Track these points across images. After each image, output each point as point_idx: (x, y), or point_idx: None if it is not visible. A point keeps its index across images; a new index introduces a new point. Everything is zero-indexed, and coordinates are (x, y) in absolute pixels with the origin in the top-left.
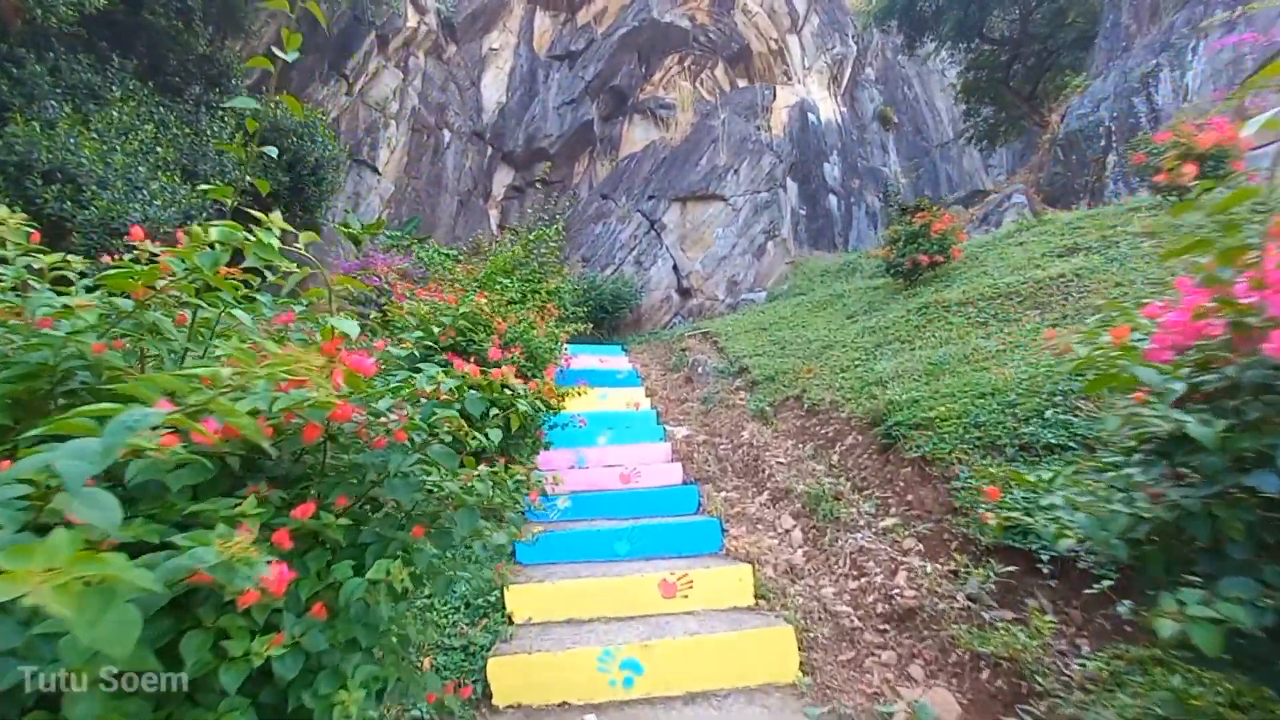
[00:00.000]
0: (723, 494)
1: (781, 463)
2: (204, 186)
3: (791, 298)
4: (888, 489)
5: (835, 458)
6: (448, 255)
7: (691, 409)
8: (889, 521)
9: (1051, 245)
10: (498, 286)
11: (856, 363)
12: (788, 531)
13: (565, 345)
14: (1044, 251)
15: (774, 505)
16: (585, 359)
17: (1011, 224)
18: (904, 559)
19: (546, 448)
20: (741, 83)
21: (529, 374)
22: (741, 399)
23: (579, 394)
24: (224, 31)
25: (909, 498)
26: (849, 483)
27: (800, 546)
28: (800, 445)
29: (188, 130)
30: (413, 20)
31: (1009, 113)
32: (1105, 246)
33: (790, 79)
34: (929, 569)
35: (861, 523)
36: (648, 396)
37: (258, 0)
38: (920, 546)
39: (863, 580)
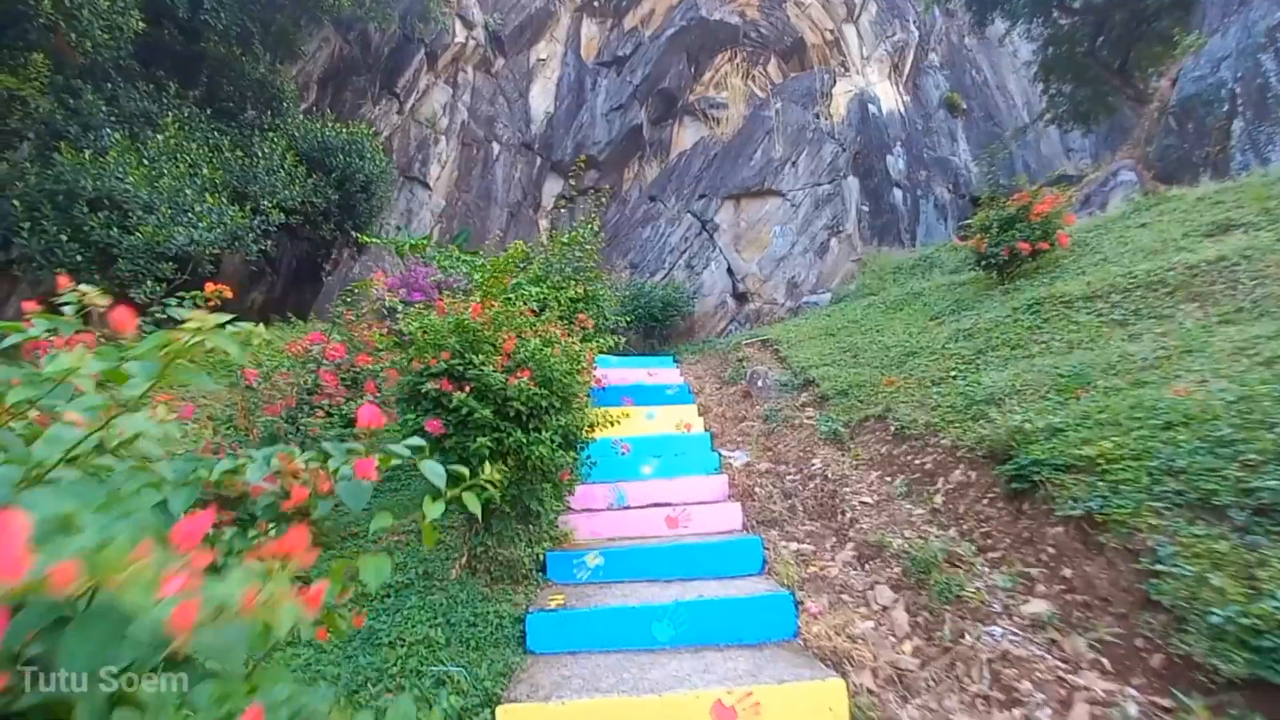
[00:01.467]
0: (793, 545)
1: (866, 503)
2: None
3: (860, 298)
4: (1028, 554)
5: (939, 500)
6: (468, 262)
7: (751, 429)
8: (1038, 607)
9: (1193, 224)
10: (522, 295)
11: (953, 373)
12: (886, 610)
13: (593, 362)
14: (1185, 232)
15: (862, 566)
16: (632, 372)
17: (1123, 205)
18: (1078, 679)
19: (571, 490)
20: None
21: (545, 406)
22: (809, 417)
23: (613, 424)
24: (278, 56)
25: (1065, 573)
26: (966, 541)
27: (907, 637)
28: (888, 479)
29: (240, 153)
30: (461, 36)
31: (1095, 88)
32: (1272, 222)
33: (848, 70)
34: (1131, 708)
35: (996, 607)
36: (701, 415)
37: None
38: (1100, 659)
39: (1016, 711)
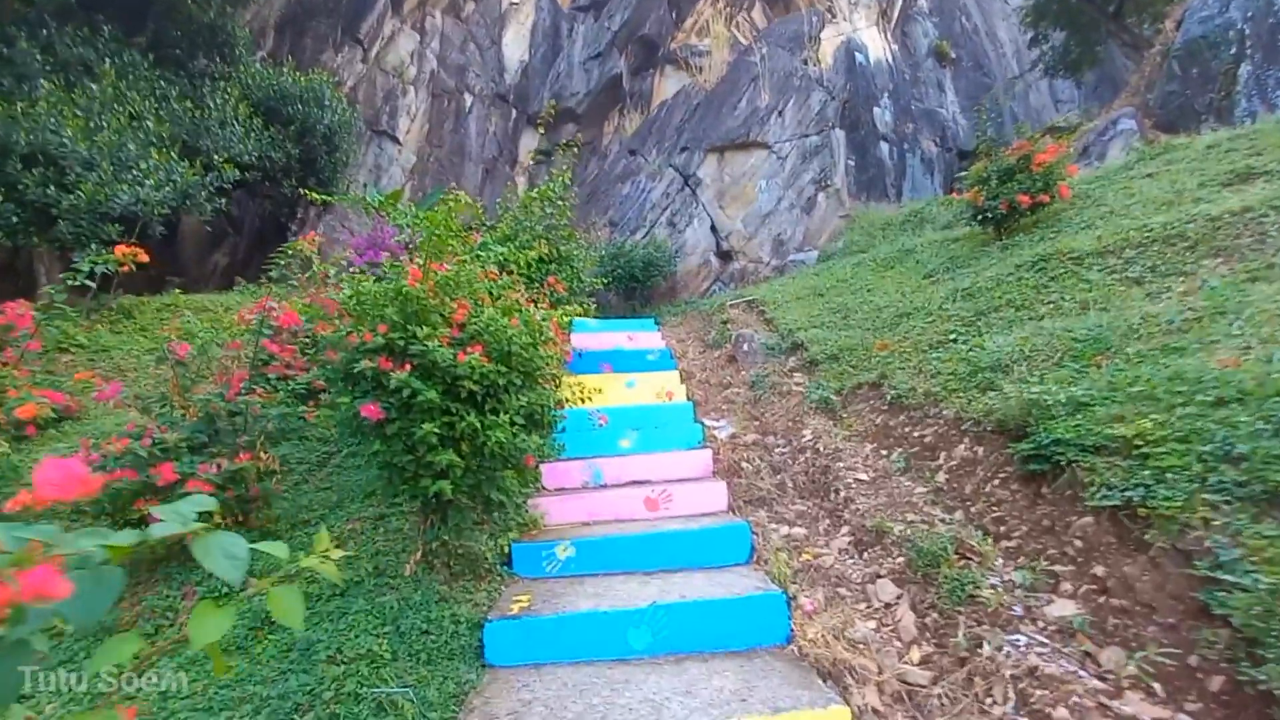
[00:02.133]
0: (783, 529)
1: (862, 480)
2: None
3: (849, 256)
4: (1049, 545)
5: (942, 477)
6: (418, 218)
7: (736, 396)
8: (1065, 610)
9: (1208, 173)
10: (483, 257)
11: (953, 336)
12: (889, 607)
13: (562, 329)
14: (1200, 181)
15: (860, 554)
16: (611, 336)
17: (1125, 154)
18: (1123, 706)
19: (538, 477)
20: None
21: (504, 384)
22: (798, 384)
23: (584, 400)
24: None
25: (1097, 571)
26: (975, 526)
27: (915, 643)
28: (884, 452)
29: (190, 104)
30: None
31: (1084, 35)
32: None
33: (835, 16)
34: None
35: (1018, 610)
36: (683, 382)
37: None
38: (1149, 680)
39: None
